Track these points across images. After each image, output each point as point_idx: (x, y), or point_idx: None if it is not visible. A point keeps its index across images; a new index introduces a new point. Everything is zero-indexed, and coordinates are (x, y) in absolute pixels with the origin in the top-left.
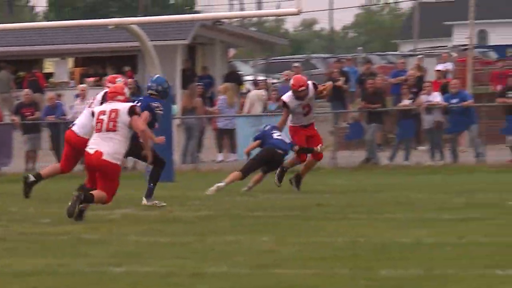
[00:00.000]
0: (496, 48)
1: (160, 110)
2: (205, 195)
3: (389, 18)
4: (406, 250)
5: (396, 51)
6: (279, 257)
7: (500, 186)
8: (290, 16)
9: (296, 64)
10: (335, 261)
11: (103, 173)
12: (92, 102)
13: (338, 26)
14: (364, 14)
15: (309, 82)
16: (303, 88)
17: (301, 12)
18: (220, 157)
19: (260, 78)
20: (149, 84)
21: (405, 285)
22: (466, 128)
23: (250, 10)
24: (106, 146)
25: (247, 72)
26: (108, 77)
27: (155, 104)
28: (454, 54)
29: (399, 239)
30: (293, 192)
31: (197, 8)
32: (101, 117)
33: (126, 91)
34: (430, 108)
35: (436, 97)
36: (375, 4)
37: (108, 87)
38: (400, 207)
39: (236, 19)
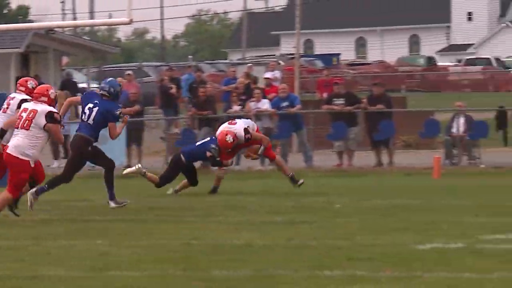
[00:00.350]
0: (322, 57)
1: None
2: (42, 200)
3: (219, 27)
4: (237, 251)
5: (226, 59)
6: (113, 260)
7: (327, 189)
8: (122, 26)
9: (128, 72)
10: (169, 263)
11: (9, 167)
12: (7, 108)
13: (169, 35)
14: (194, 24)
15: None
16: None
17: (132, 22)
18: (55, 163)
19: (94, 85)
20: (102, 85)
21: (236, 286)
22: (295, 132)
23: (83, 20)
24: (14, 141)
25: (81, 80)
26: (20, 81)
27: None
28: (282, 63)
29: (231, 241)
30: (127, 197)
31: (30, 17)
32: (22, 114)
33: (51, 93)
34: (259, 115)
35: (265, 104)
36: (205, 14)
37: (21, 90)
38: (232, 210)
39: (69, 28)
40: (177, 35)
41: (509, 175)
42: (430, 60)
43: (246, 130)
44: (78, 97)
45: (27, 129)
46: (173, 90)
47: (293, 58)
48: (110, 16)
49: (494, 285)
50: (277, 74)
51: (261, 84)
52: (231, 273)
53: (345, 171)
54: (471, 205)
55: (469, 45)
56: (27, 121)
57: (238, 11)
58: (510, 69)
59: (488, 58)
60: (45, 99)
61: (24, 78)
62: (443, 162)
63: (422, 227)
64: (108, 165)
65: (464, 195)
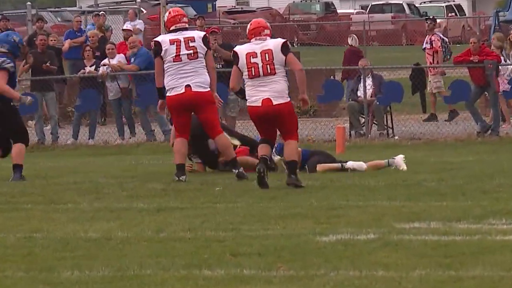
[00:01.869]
0: (193, 2)
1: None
2: None
3: None
4: (93, 246)
5: (74, 6)
6: None
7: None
8: None
9: None
10: (8, 262)
11: None
12: None
13: None
14: None
15: None
16: None
17: None
18: None
19: None
20: None
21: None
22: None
23: None
24: None
25: None
26: None
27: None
28: (144, 10)
29: (85, 234)
30: None
31: None
32: None
33: None
34: (114, 75)
35: (121, 60)
36: None
37: None
38: (85, 195)
39: None
40: None
41: (427, 148)
42: (328, 7)
43: None
44: None
45: None
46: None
47: (158, 4)
48: None
49: (413, 285)
50: (139, 25)
51: (119, 37)
52: (85, 273)
53: None
54: (383, 186)
55: None
56: None
57: None
58: (427, 17)
59: (400, 3)
60: None
61: None
62: (348, 133)
63: (324, 214)
64: None
65: (374, 174)
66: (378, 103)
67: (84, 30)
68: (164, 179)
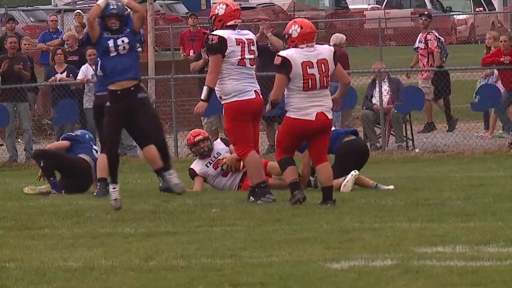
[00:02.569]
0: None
1: None
2: None
3: None
4: (74, 277)
5: (49, 4)
6: None
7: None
8: None
9: None
10: None
11: None
12: None
13: None
14: None
15: None
16: None
17: None
18: None
19: None
20: None
21: None
22: None
23: None
24: None
25: None
26: None
27: None
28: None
29: (64, 263)
30: None
31: None
32: None
33: None
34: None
35: None
36: None
37: None
38: (64, 219)
39: None
40: None
41: (452, 162)
42: (339, 2)
43: None
44: None
45: None
46: None
47: (144, 1)
48: None
49: None
50: None
51: None
52: None
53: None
54: (402, 206)
55: None
56: None
57: None
58: (451, 13)
59: None
60: None
61: None
62: None
63: (335, 238)
64: None
65: (392, 192)
66: (396, 111)
67: (61, 32)
68: (153, 200)
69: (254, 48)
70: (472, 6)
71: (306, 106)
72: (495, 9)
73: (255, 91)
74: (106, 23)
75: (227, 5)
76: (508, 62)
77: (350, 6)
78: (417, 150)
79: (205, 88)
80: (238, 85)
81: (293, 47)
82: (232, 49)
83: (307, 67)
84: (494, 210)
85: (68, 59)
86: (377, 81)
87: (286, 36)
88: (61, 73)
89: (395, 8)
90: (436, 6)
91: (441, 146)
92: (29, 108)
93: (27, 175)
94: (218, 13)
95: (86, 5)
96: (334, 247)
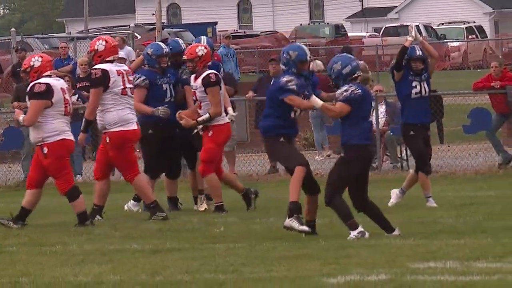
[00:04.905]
0: (192, 27)
1: None
2: None
3: None
4: None
5: (63, 32)
6: None
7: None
8: None
9: None
10: None
11: None
12: None
13: None
14: None
15: None
16: None
17: None
18: None
19: None
20: None
21: None
22: None
23: None
24: None
25: None
26: None
27: None
28: (138, 36)
29: (75, 278)
30: None
31: None
32: None
33: None
34: None
35: None
36: None
37: None
38: (74, 236)
39: None
40: None
41: (445, 182)
42: (338, 30)
43: None
44: None
45: None
46: None
47: (153, 29)
48: None
49: None
50: (126, 51)
51: None
52: None
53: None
54: (397, 223)
55: (389, 9)
56: None
57: None
58: (445, 40)
59: (416, 25)
60: None
61: None
62: None
63: (332, 254)
64: None
65: (387, 210)
66: (391, 133)
67: (72, 58)
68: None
69: (131, 78)
70: (465, 34)
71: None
72: (487, 37)
73: (136, 122)
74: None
75: (106, 41)
76: (498, 86)
77: (349, 34)
78: (411, 170)
79: (84, 120)
80: (123, 115)
81: None
82: (115, 79)
83: None
84: (484, 228)
85: (79, 85)
86: (373, 104)
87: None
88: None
89: (392, 35)
90: (431, 34)
91: (434, 166)
92: None
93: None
94: (98, 49)
95: (98, 33)
96: (331, 263)
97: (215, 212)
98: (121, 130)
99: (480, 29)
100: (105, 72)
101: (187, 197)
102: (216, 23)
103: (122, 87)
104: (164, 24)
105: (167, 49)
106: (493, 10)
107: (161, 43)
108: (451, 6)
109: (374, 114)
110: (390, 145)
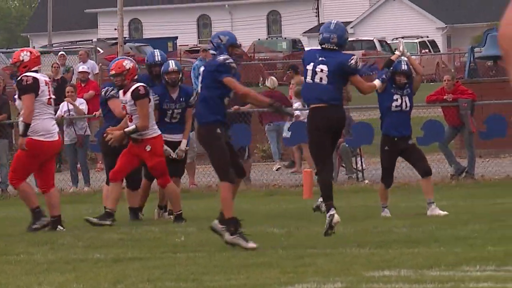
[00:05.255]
0: (153, 41)
1: None
2: None
3: (17, 4)
4: None
5: (27, 46)
6: None
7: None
8: None
9: None
10: None
11: None
12: None
13: None
14: None
15: None
16: None
17: None
18: None
19: None
20: None
21: None
22: None
23: None
24: None
25: None
26: None
27: None
28: (101, 50)
29: (39, 286)
30: None
31: None
32: None
33: None
34: (71, 120)
35: (81, 105)
36: None
37: None
38: (38, 246)
39: None
40: None
41: (400, 192)
42: (295, 44)
43: None
44: None
45: None
46: None
47: (115, 44)
48: None
49: None
50: (90, 65)
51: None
52: None
53: (187, 191)
54: (352, 233)
55: (345, 24)
56: None
57: None
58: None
59: (371, 40)
60: None
61: None
62: (315, 178)
63: (290, 263)
64: None
65: (342, 220)
66: (346, 144)
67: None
68: (121, 228)
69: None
70: (419, 48)
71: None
72: (439, 51)
73: (58, 132)
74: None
75: (31, 52)
76: (451, 99)
77: (306, 48)
78: (366, 181)
79: (23, 124)
80: (48, 125)
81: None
82: (43, 89)
83: None
84: (437, 237)
85: None
86: None
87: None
88: None
89: (348, 50)
90: (385, 48)
91: None
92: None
93: (4, 205)
94: (23, 60)
95: (61, 47)
96: (288, 271)
97: (176, 222)
98: (40, 140)
99: (433, 43)
100: (36, 80)
101: (148, 207)
102: (176, 37)
103: (48, 97)
104: (126, 38)
105: (159, 57)
106: (446, 25)
107: (156, 51)
108: (405, 22)
109: None
110: (345, 156)
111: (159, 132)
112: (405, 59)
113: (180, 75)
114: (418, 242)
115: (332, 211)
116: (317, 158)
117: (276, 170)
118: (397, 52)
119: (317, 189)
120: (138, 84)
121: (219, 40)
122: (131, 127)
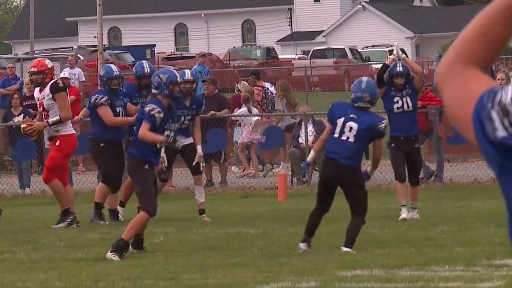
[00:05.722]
0: (132, 49)
1: None
2: None
3: (0, 13)
4: None
5: (10, 53)
6: None
7: None
8: None
9: None
10: None
11: None
12: None
13: None
14: None
15: None
16: None
17: None
18: None
19: None
20: None
21: None
22: None
23: None
24: None
25: None
26: None
27: None
28: (81, 57)
29: (22, 285)
30: None
31: None
32: None
33: None
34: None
35: None
36: None
37: None
38: (22, 245)
39: None
40: None
41: (371, 195)
42: (269, 52)
43: None
44: None
45: None
46: None
47: (95, 50)
48: None
49: None
50: (77, 72)
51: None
52: None
53: (166, 193)
54: (326, 234)
55: (317, 33)
56: None
57: None
58: (369, 62)
59: (342, 48)
60: None
61: None
62: (290, 180)
63: (265, 262)
64: None
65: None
66: (294, 149)
67: (19, 78)
68: (102, 228)
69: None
70: (388, 57)
71: None
72: None
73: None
74: None
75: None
76: (420, 106)
77: (279, 56)
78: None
79: (58, 119)
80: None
81: None
82: None
83: None
84: (407, 238)
85: (26, 103)
86: (303, 123)
87: None
88: (18, 115)
89: (319, 58)
90: (356, 56)
91: None
92: None
93: None
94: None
95: (43, 54)
96: (264, 271)
97: (64, 218)
98: (74, 134)
99: (403, 52)
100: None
101: (129, 207)
102: (154, 45)
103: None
104: (106, 46)
105: (117, 72)
106: (414, 35)
107: (112, 66)
108: (375, 31)
109: (303, 132)
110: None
111: (74, 132)
112: (401, 61)
113: (195, 85)
114: (389, 243)
115: (304, 246)
116: (317, 199)
117: (240, 177)
118: (391, 56)
119: (292, 191)
120: (56, 78)
121: (159, 79)
122: (55, 118)
